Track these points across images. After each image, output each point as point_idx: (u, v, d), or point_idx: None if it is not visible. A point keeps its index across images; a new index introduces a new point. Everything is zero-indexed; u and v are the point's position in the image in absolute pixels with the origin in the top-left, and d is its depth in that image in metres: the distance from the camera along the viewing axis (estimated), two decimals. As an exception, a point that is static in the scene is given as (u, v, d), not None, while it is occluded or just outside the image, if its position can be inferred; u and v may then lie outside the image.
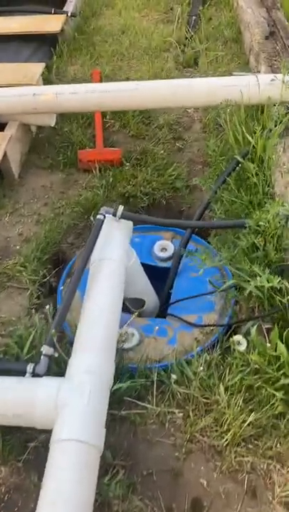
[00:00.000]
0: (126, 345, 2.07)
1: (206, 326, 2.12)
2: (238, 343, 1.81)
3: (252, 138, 2.40)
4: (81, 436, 1.41)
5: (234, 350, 1.82)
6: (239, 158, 2.37)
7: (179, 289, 2.31)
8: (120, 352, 1.98)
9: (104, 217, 2.03)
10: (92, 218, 2.04)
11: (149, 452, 1.68)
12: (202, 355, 1.90)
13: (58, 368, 1.72)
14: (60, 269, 2.48)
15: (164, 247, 2.50)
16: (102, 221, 2.00)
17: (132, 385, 1.78)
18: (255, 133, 2.38)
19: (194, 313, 2.20)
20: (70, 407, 1.50)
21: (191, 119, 3.23)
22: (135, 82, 2.64)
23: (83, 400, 1.51)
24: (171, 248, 2.49)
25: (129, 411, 1.77)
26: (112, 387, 1.64)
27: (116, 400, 1.76)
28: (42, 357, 1.67)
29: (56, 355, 1.69)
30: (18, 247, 2.41)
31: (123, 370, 1.84)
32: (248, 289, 1.83)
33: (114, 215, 2.06)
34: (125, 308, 2.33)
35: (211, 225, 2.08)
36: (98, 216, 2.01)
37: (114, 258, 1.94)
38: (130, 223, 2.11)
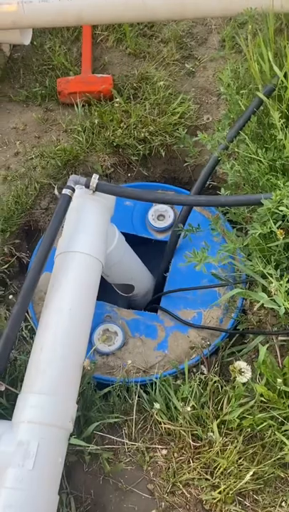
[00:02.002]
0: (106, 349, 1.69)
1: (205, 327, 1.69)
2: (240, 371, 1.38)
3: (282, 65, 1.73)
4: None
5: (234, 379, 1.40)
6: (262, 96, 1.73)
7: (177, 273, 1.84)
8: (95, 362, 1.60)
9: (74, 190, 1.52)
10: (56, 192, 1.54)
11: (121, 505, 1.36)
12: (196, 375, 1.51)
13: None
14: (32, 240, 2.04)
15: (162, 213, 1.99)
16: (69, 198, 1.50)
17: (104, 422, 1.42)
18: (286, 59, 1.71)
19: (192, 308, 1.76)
20: (10, 472, 1.16)
21: (208, 28, 2.47)
22: (124, -16, 1.92)
23: (27, 464, 1.17)
24: (170, 215, 1.98)
25: (100, 446, 1.43)
26: (72, 434, 1.28)
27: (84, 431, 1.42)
28: (-16, 392, 1.31)
29: (3, 389, 1.33)
30: (-21, 215, 1.95)
31: (94, 397, 1.46)
32: (259, 304, 1.36)
33: (88, 186, 1.54)
34: (114, 292, 1.92)
35: (215, 202, 1.55)
36: (64, 190, 1.50)
37: (85, 251, 1.47)
38: (111, 199, 1.60)
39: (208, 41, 2.44)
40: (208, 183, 1.85)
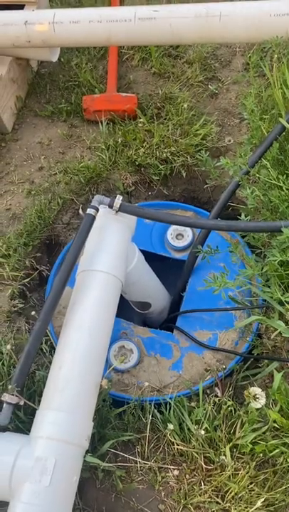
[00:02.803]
0: (121, 366, 1.71)
1: (220, 350, 1.71)
2: (255, 397, 1.40)
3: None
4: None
5: (248, 403, 1.41)
6: (285, 123, 1.76)
7: (193, 293, 1.87)
8: (110, 381, 1.63)
9: (97, 210, 1.56)
10: (80, 211, 1.58)
11: (132, 524, 1.38)
12: (210, 397, 1.53)
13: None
14: (53, 254, 2.08)
15: (181, 232, 2.02)
16: (93, 218, 1.53)
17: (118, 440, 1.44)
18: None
19: (208, 329, 1.78)
20: (27, 487, 1.19)
21: (232, 50, 2.51)
22: (153, 8, 1.96)
23: (44, 480, 1.20)
24: (189, 234, 2.01)
25: (113, 463, 1.46)
26: (87, 451, 1.31)
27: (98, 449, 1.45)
28: (4, 405, 1.34)
29: (22, 403, 1.36)
30: (3, 228, 2.00)
31: (108, 415, 1.49)
32: (276, 332, 1.38)
33: (111, 206, 1.58)
34: (129, 308, 1.95)
35: (235, 227, 1.58)
36: (89, 210, 1.54)
37: (107, 270, 1.50)
38: (133, 219, 1.64)
39: (232, 63, 2.47)
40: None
